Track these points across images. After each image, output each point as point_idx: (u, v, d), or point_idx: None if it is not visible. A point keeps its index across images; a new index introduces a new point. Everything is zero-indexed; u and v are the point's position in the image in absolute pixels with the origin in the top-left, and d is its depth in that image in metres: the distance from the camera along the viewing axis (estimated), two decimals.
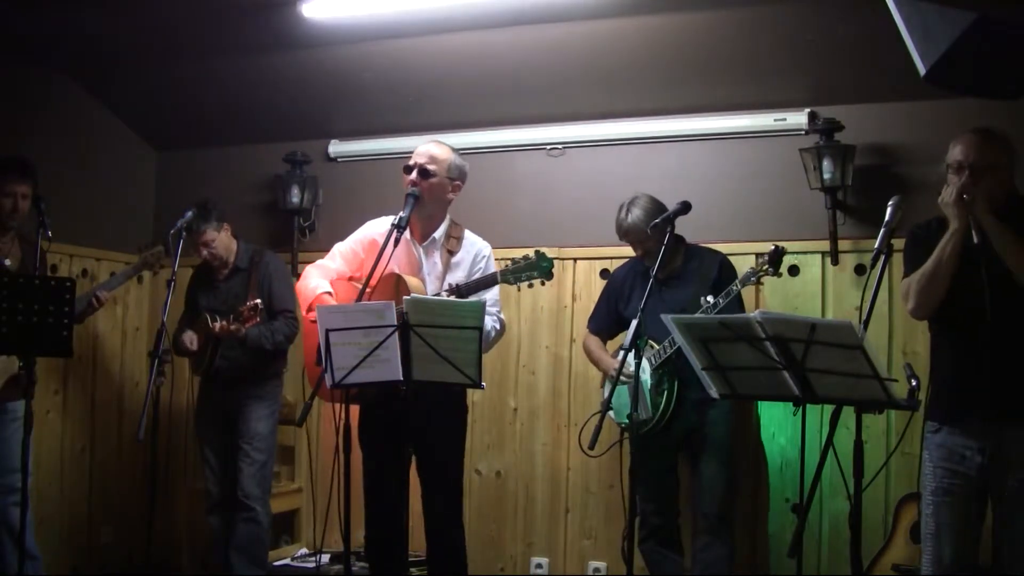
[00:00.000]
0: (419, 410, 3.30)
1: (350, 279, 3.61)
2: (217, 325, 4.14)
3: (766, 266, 3.64)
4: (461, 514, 3.65)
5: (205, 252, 4.37)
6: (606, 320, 4.17)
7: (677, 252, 3.93)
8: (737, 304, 3.74)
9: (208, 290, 4.47)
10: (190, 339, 4.34)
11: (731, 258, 3.99)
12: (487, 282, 3.43)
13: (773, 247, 3.65)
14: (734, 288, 3.64)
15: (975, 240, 2.87)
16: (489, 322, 3.47)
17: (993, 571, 3.01)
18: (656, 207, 3.85)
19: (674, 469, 3.96)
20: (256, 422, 4.34)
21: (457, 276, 3.56)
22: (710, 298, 3.65)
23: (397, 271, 3.50)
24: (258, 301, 4.09)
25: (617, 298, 4.09)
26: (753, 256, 4.18)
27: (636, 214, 3.85)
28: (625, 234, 3.92)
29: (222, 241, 4.40)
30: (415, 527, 3.67)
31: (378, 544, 3.58)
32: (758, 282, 3.64)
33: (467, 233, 3.68)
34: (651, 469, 3.86)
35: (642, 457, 3.86)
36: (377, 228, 3.65)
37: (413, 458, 3.46)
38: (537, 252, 3.34)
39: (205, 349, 4.31)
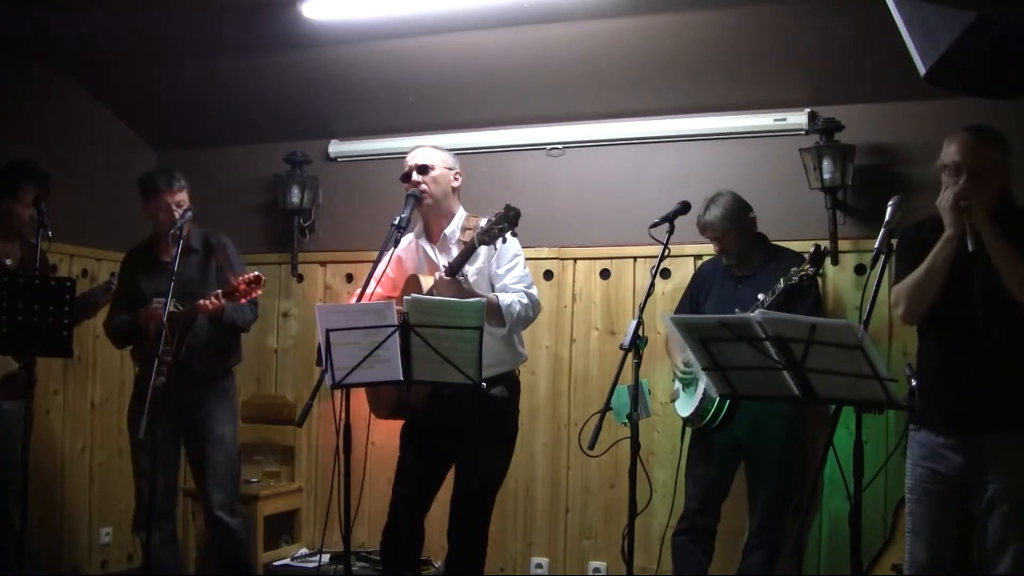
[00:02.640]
0: (468, 425, 3.31)
1: (388, 297, 3.60)
2: (208, 302, 3.84)
3: (807, 266, 3.64)
4: (487, 528, 3.61)
5: (177, 215, 3.96)
6: (688, 313, 4.15)
7: (756, 250, 3.94)
8: (800, 298, 3.72)
9: (154, 274, 4.07)
10: (156, 313, 3.80)
11: None
12: (467, 252, 3.34)
13: (815, 247, 3.67)
14: (778, 286, 3.65)
15: (970, 248, 2.81)
16: (511, 298, 3.42)
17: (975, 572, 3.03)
18: (738, 204, 3.88)
19: (730, 476, 3.95)
20: (221, 425, 4.10)
21: (477, 265, 3.48)
22: (760, 296, 3.68)
23: (419, 275, 3.51)
24: (258, 272, 3.88)
25: (699, 292, 4.09)
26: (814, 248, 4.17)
27: (715, 210, 3.86)
28: (703, 230, 3.92)
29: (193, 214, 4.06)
30: (432, 529, 3.69)
31: (393, 541, 3.58)
32: (800, 281, 3.65)
33: (483, 222, 3.65)
34: (709, 469, 3.89)
35: (701, 455, 3.91)
36: (402, 246, 3.63)
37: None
38: (506, 206, 3.26)
39: (159, 338, 3.87)
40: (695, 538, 3.89)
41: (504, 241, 3.29)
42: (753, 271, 3.90)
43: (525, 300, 3.48)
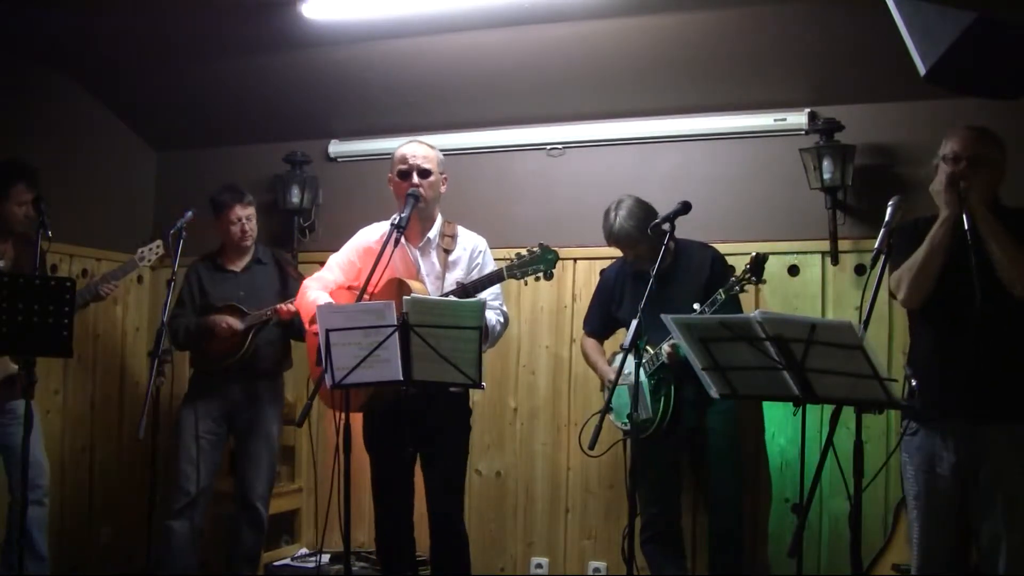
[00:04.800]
0: (423, 412, 3.31)
1: (349, 288, 3.61)
2: (283, 307, 4.14)
3: (748, 275, 3.53)
4: (463, 513, 3.67)
5: (247, 227, 4.36)
6: (600, 322, 4.14)
7: (668, 249, 3.87)
8: (732, 309, 3.65)
9: (221, 281, 4.42)
10: (231, 322, 4.23)
11: (730, 258, 3.97)
12: (493, 278, 3.43)
13: (754, 254, 3.56)
14: (719, 296, 3.55)
15: (965, 226, 2.84)
16: (493, 316, 3.49)
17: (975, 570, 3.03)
18: (643, 210, 3.77)
19: (677, 471, 3.94)
20: (271, 423, 4.37)
21: (456, 274, 3.58)
22: (697, 306, 3.57)
23: (397, 275, 3.51)
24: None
25: (609, 300, 4.05)
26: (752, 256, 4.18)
27: (624, 220, 3.75)
28: (616, 241, 3.83)
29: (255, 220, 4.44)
30: (417, 528, 3.69)
31: (390, 548, 3.60)
32: (742, 290, 3.61)
33: (460, 229, 3.69)
34: (656, 472, 3.86)
35: (647, 459, 3.86)
36: (371, 235, 3.69)
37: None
38: (541, 245, 3.35)
39: (242, 339, 4.25)
40: (663, 542, 3.88)
41: (538, 280, 3.40)
42: (668, 272, 3.78)
43: (502, 319, 3.60)
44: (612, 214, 3.81)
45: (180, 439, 4.30)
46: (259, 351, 4.30)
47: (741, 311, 3.77)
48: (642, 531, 3.89)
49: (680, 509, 3.95)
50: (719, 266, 3.84)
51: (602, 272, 4.24)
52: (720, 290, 3.55)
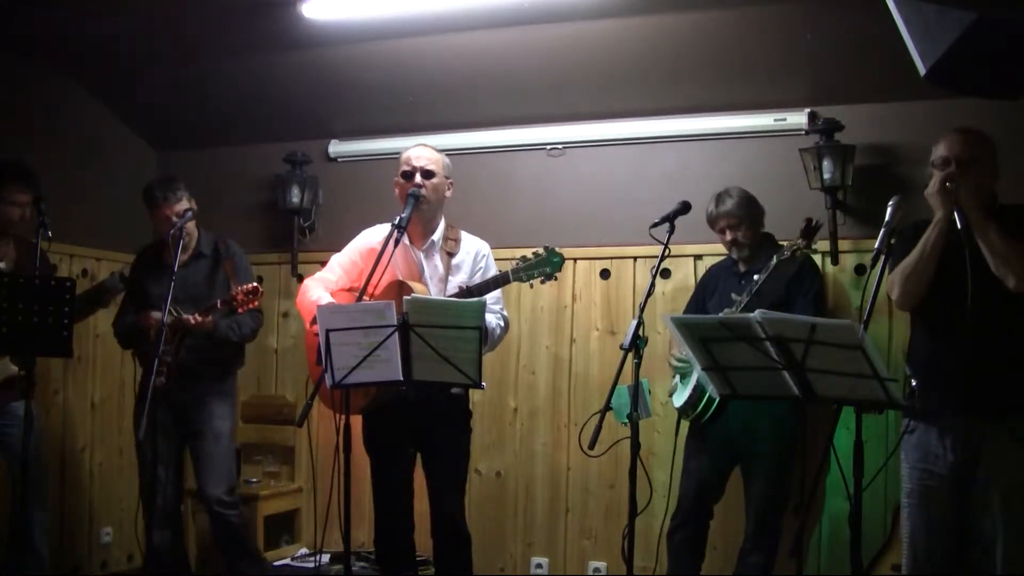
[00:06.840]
0: (423, 412, 3.32)
1: (350, 290, 3.61)
2: (191, 318, 3.87)
3: (800, 239, 3.63)
4: (465, 512, 3.67)
5: (178, 223, 3.96)
6: (692, 313, 4.14)
7: (764, 248, 3.93)
8: (800, 293, 3.73)
9: (161, 277, 3.99)
10: (154, 319, 3.89)
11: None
12: (498, 282, 3.43)
13: (805, 220, 3.64)
14: (771, 263, 3.63)
15: (958, 225, 2.87)
16: (493, 320, 3.49)
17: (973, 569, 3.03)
18: (750, 196, 3.92)
19: (724, 475, 3.92)
20: (220, 421, 4.14)
21: (459, 278, 3.58)
22: (756, 276, 3.67)
23: (399, 277, 3.50)
24: (255, 284, 3.90)
25: (704, 291, 4.09)
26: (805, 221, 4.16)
27: (729, 201, 3.88)
28: (717, 218, 3.91)
29: (193, 215, 4.11)
30: (418, 528, 3.69)
31: (390, 549, 3.60)
32: (793, 255, 3.66)
33: (463, 234, 3.70)
34: (703, 464, 3.87)
35: (696, 449, 3.90)
36: (374, 236, 3.68)
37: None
38: (547, 248, 3.36)
39: (159, 339, 3.88)
40: (687, 537, 3.87)
41: (544, 282, 3.40)
42: (758, 269, 3.85)
43: (502, 323, 3.59)
44: (716, 198, 3.92)
45: (140, 447, 4.08)
46: (197, 352, 4.01)
47: (816, 281, 3.86)
48: (672, 519, 3.89)
49: (712, 511, 3.92)
50: (806, 269, 3.87)
51: (707, 270, 4.26)
52: (774, 256, 3.65)
